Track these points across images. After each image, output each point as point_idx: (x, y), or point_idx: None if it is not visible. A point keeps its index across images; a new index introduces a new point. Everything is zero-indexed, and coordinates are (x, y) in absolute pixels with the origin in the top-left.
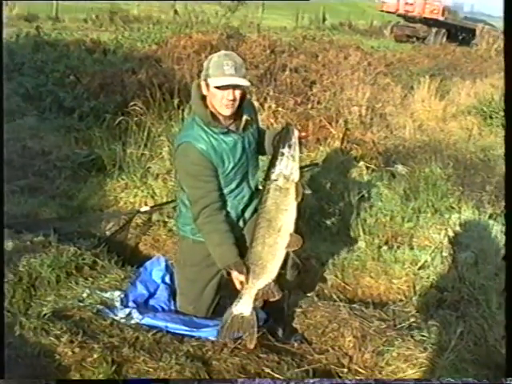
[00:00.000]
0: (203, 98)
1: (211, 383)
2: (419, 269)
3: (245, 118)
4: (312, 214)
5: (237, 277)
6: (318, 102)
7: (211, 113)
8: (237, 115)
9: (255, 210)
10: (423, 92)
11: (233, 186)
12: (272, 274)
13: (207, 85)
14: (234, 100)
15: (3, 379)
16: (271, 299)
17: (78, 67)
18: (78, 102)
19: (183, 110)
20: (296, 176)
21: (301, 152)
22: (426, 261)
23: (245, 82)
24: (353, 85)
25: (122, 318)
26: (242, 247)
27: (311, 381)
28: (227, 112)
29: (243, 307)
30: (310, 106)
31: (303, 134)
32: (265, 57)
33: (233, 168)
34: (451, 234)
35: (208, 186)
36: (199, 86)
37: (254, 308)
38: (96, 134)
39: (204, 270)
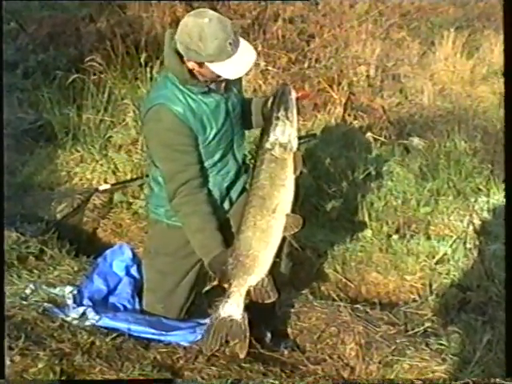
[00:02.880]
0: (178, 51)
1: None
2: (437, 263)
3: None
4: (308, 195)
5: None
6: (317, 60)
7: (188, 69)
8: None
9: (243, 189)
10: (446, 48)
11: (216, 158)
12: (265, 267)
13: (199, 63)
14: None
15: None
16: (266, 301)
17: (21, 12)
18: (22, 55)
19: (152, 68)
20: (295, 144)
21: (298, 118)
22: (445, 253)
23: (254, 55)
24: (360, 39)
25: (74, 319)
26: (228, 233)
27: None
28: (219, 84)
29: (232, 309)
30: (306, 64)
31: (302, 93)
32: (252, 4)
33: (215, 135)
34: (477, 221)
35: (186, 158)
36: (173, 37)
37: (246, 309)
38: (44, 95)
39: (179, 261)
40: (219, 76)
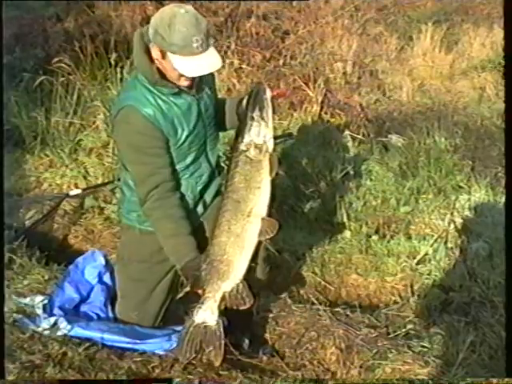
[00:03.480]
0: (148, 50)
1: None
2: (418, 263)
3: (198, 76)
4: (285, 196)
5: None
6: (292, 58)
7: (158, 69)
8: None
9: (217, 192)
10: (425, 43)
11: (188, 160)
12: (240, 273)
13: (163, 53)
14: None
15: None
16: (241, 307)
17: None
18: None
19: (122, 68)
20: (270, 145)
21: (274, 117)
22: (426, 253)
23: (218, 63)
24: (335, 35)
25: (45, 330)
26: (202, 238)
27: None
28: (186, 84)
29: (206, 315)
30: (281, 62)
31: (277, 92)
32: (225, 1)
33: (187, 137)
34: (458, 219)
35: (157, 162)
36: (142, 36)
37: (220, 315)
38: (11, 99)
39: (154, 268)
40: (181, 76)
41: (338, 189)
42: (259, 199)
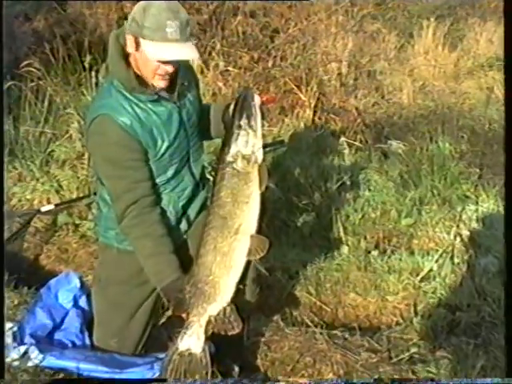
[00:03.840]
0: (125, 54)
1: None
2: (422, 280)
3: (180, 81)
4: (276, 210)
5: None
6: (283, 58)
7: (136, 74)
8: (170, 77)
9: (202, 207)
10: (427, 40)
11: (169, 173)
12: (228, 295)
13: (137, 42)
14: (174, 70)
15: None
16: (229, 332)
17: None
18: None
19: (97, 72)
20: (259, 156)
21: (263, 125)
22: (430, 269)
23: (194, 54)
24: (329, 33)
25: (14, 360)
26: (186, 257)
27: None
28: (161, 84)
29: (191, 341)
30: (271, 63)
31: (267, 97)
32: None
33: (168, 148)
34: (465, 232)
35: (135, 175)
36: (118, 38)
37: (207, 341)
38: None
39: (134, 291)
40: (156, 73)
41: (333, 201)
42: (248, 215)
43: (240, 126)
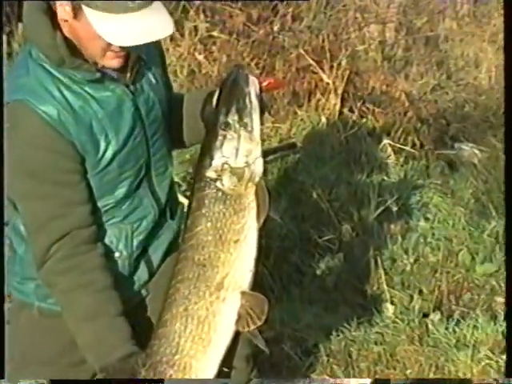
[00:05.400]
0: (50, 9)
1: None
2: None
3: (135, 55)
4: (285, 251)
5: None
6: (295, 19)
7: (67, 40)
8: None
9: (170, 247)
10: None
11: (119, 193)
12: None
13: (75, 9)
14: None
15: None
16: None
17: None
18: None
19: (10, 36)
20: (257, 169)
21: (263, 122)
22: None
23: (169, 28)
24: None
25: None
26: (143, 324)
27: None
28: (114, 63)
29: None
30: (277, 26)
31: (269, 80)
32: None
33: (116, 154)
34: None
35: (65, 195)
36: None
37: None
38: None
39: (65, 374)
40: (107, 49)
41: (371, 236)
42: (238, 261)
43: (227, 125)
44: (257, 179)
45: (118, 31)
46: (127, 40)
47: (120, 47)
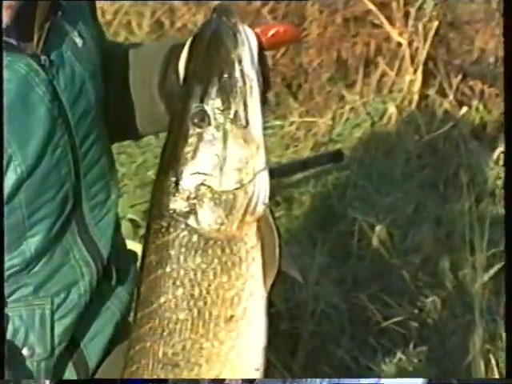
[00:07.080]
0: None
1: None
2: None
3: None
4: (323, 339)
5: None
6: None
7: None
8: None
9: (119, 330)
10: None
11: (30, 245)
12: None
13: None
14: None
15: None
16: None
17: None
18: None
19: None
20: (260, 193)
21: (264, 104)
22: None
23: None
24: None
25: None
26: None
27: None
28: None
29: None
30: None
31: (276, 30)
32: None
33: (23, 179)
34: None
35: None
36: None
37: None
38: None
39: None
40: None
41: (480, 315)
42: (233, 355)
43: (204, 115)
44: (259, 210)
45: None
46: None
47: None
